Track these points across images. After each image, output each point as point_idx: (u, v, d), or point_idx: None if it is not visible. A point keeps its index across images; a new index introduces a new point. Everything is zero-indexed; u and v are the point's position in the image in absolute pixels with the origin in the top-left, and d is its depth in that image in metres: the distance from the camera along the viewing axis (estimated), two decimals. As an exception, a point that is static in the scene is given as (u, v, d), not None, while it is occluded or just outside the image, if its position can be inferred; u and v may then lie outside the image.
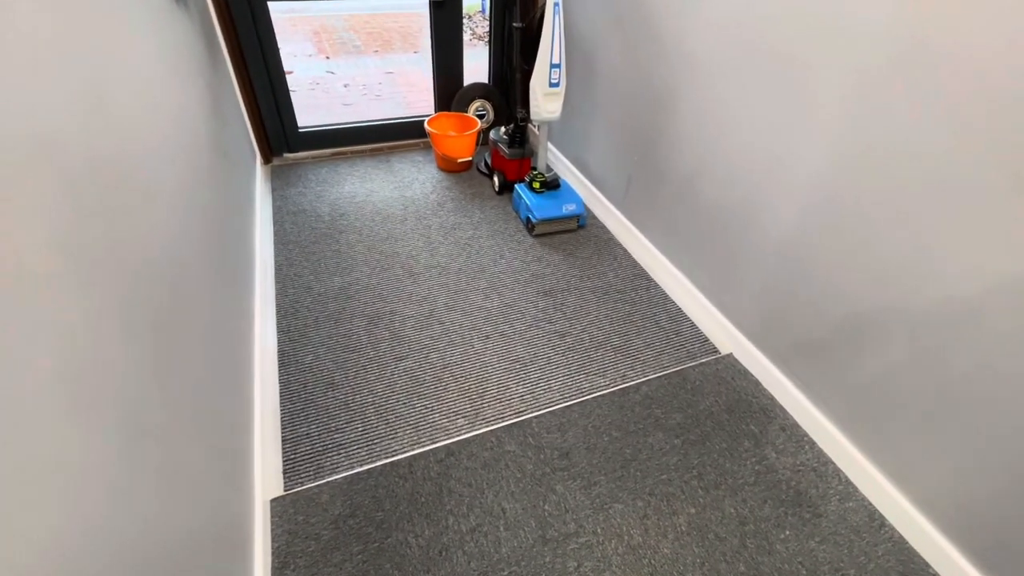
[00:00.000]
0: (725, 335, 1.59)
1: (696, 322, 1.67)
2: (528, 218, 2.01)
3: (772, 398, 1.44)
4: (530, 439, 1.30)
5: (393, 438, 1.30)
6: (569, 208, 1.99)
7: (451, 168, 2.42)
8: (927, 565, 1.10)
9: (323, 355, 1.50)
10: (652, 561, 1.08)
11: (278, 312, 1.64)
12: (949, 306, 0.98)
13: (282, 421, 1.33)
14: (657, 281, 1.83)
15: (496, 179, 2.27)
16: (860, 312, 1.16)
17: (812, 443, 1.33)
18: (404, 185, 2.32)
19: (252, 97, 2.22)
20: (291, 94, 2.34)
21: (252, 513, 1.07)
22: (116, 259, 0.65)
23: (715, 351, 1.58)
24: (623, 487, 1.21)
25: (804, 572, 1.08)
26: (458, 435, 1.31)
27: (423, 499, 1.17)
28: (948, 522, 1.07)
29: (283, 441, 1.28)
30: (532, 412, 1.37)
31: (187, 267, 0.95)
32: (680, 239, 1.72)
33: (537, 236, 2.02)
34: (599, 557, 1.08)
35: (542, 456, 1.27)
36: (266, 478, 1.19)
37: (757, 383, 1.48)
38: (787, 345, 1.39)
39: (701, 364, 1.53)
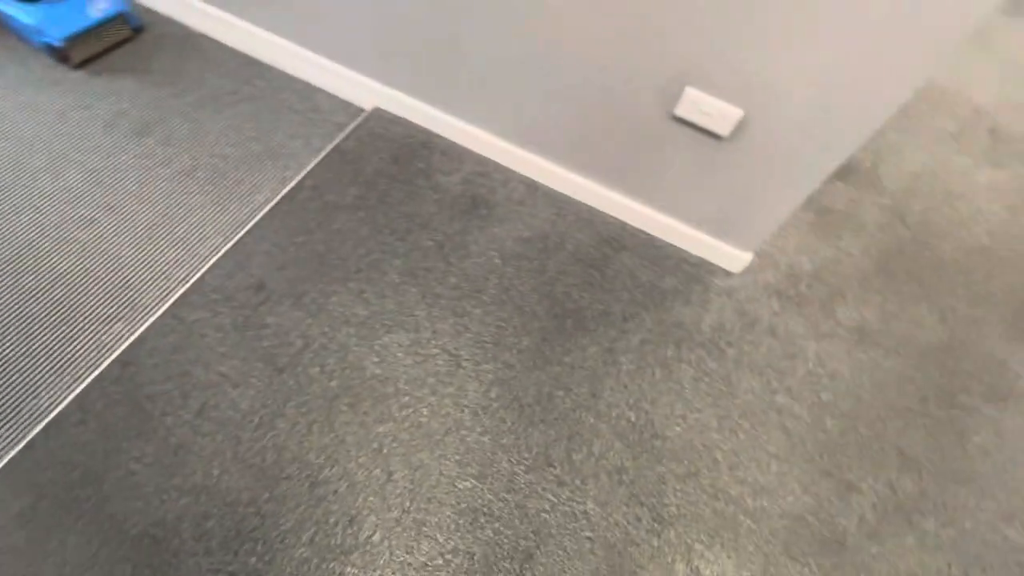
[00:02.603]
0: (364, 91, 1.48)
1: (331, 91, 1.51)
2: (47, 43, 1.39)
3: (426, 131, 1.47)
4: (213, 295, 1.14)
5: (40, 391, 1.00)
6: (101, 7, 1.42)
7: None
8: (548, 188, 1.40)
9: None
10: (384, 322, 1.15)
11: None
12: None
13: None
14: (272, 64, 1.55)
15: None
16: (449, 23, 1.15)
17: (469, 152, 1.45)
18: None
19: None
20: None
21: None
22: None
23: (360, 111, 1.49)
24: (331, 279, 1.19)
25: (495, 255, 1.29)
26: (124, 342, 1.07)
27: (121, 424, 0.98)
28: (545, 149, 1.34)
29: None
30: (199, 269, 1.17)
31: None
32: (286, 7, 1.40)
33: (81, 65, 1.45)
34: (336, 348, 1.10)
35: (235, 302, 1.13)
36: None
37: (408, 123, 1.47)
38: (412, 72, 1.36)
39: (353, 130, 1.44)
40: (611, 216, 1.39)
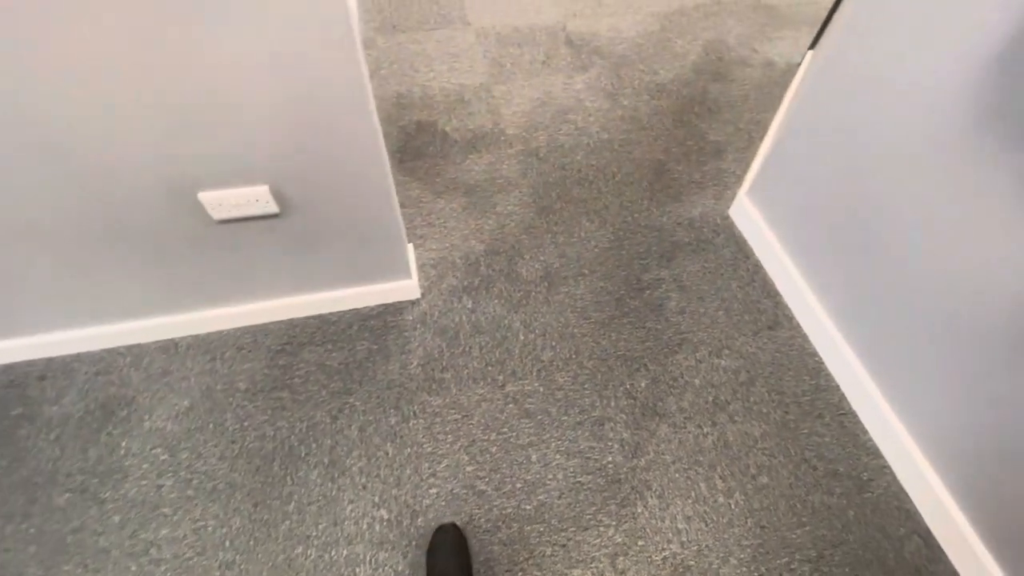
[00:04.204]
0: None
1: None
2: None
3: (6, 367, 1.17)
4: None
5: None
6: None
7: None
8: (190, 337, 1.23)
9: None
10: None
11: None
12: None
13: None
14: None
15: None
16: None
17: (75, 357, 1.18)
18: None
19: None
20: None
21: None
22: None
23: None
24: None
25: (160, 451, 1.07)
26: None
27: None
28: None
29: None
30: None
31: None
32: None
33: None
34: None
35: None
36: None
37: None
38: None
39: (-99, 427, 1.08)
40: (271, 324, 1.26)
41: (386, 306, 1.30)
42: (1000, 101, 0.78)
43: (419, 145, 1.69)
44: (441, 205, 1.53)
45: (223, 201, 0.92)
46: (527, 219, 1.50)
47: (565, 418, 1.14)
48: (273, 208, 0.97)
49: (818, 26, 2.19)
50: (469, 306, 1.31)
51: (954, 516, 0.99)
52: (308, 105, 0.83)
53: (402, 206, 1.51)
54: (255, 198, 0.94)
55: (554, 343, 1.25)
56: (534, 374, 1.20)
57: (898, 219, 1.00)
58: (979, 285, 0.87)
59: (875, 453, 1.11)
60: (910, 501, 1.05)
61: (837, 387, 1.20)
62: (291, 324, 1.26)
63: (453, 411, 1.14)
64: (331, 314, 1.28)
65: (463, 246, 1.43)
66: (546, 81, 1.93)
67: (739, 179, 1.62)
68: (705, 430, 1.13)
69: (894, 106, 0.96)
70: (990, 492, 0.93)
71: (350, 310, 1.29)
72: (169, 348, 1.21)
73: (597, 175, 1.63)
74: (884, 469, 1.09)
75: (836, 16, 1.82)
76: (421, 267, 1.37)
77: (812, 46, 1.98)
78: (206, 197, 0.91)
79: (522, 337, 1.26)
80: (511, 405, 1.15)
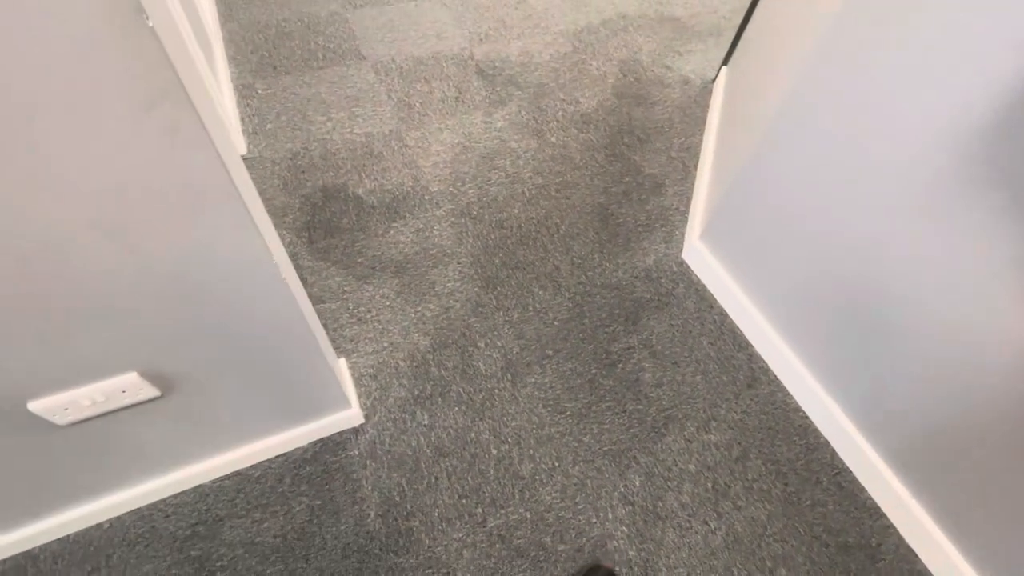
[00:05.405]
0: None
1: None
2: None
3: None
4: None
5: None
6: None
7: None
8: (73, 536, 0.92)
9: None
10: None
11: None
12: None
13: None
14: None
15: None
16: None
17: None
18: None
19: None
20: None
21: None
22: None
23: None
24: None
25: None
26: None
27: None
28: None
29: None
30: None
31: None
32: None
33: None
34: None
35: None
36: None
37: None
38: None
39: None
40: (171, 499, 0.97)
41: (323, 443, 1.05)
42: (982, 142, 0.73)
43: (330, 217, 1.43)
44: (369, 293, 1.29)
45: (71, 404, 0.65)
46: (473, 296, 1.32)
47: (562, 547, 0.98)
48: (150, 392, 0.70)
49: (722, 36, 2.19)
50: (425, 422, 1.10)
51: (963, 572, 0.97)
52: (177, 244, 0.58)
53: (322, 301, 1.26)
54: (121, 389, 0.67)
55: (532, 451, 1.09)
56: (516, 497, 1.03)
57: (857, 258, 0.95)
58: (964, 328, 0.83)
59: (876, 512, 1.07)
60: (919, 561, 1.03)
61: (827, 443, 1.15)
62: (199, 494, 0.98)
63: (430, 570, 0.94)
64: (251, 468, 1.01)
65: (405, 343, 1.22)
66: (463, 121, 1.74)
67: (684, 216, 1.55)
68: (712, 525, 1.03)
69: (861, 151, 0.89)
70: (992, 540, 0.92)
71: (277, 457, 1.03)
72: (24, 567, 0.88)
73: (540, 230, 1.47)
74: (889, 529, 1.06)
75: (745, 33, 1.80)
76: (359, 381, 1.14)
77: (725, 62, 1.96)
78: (41, 406, 0.63)
79: (494, 451, 1.08)
80: (498, 545, 0.97)
